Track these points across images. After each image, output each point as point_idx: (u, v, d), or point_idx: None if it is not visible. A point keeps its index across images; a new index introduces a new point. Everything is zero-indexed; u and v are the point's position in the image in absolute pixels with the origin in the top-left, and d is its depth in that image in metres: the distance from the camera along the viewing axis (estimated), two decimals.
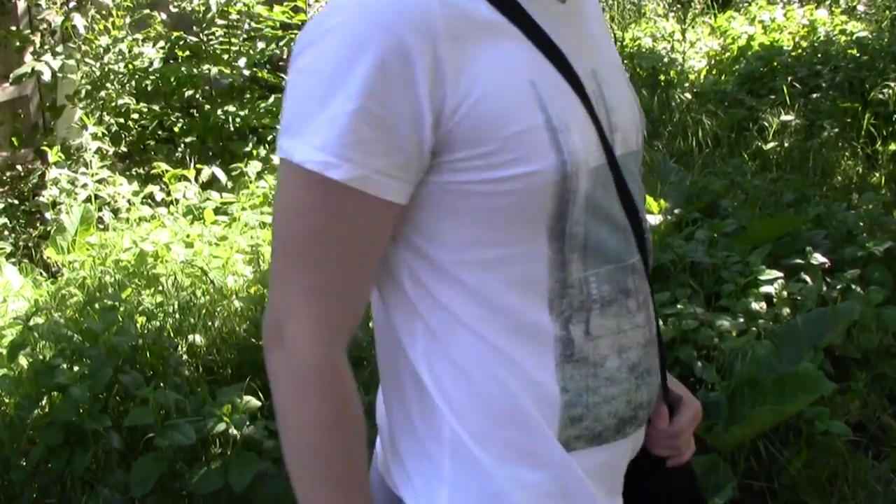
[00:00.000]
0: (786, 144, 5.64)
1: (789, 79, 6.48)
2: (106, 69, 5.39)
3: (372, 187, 0.97)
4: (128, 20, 5.56)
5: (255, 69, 6.34)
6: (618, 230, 1.08)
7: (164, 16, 5.83)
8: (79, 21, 5.15)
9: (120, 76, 5.53)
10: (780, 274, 3.57)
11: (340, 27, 0.97)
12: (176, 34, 6.06)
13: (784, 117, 5.92)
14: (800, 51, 7.20)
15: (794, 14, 8.08)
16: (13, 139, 5.43)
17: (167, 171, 5.18)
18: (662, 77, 6.29)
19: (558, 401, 1.06)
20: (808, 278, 3.57)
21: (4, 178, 5.37)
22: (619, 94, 1.13)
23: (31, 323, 3.35)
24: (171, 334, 3.57)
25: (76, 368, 3.00)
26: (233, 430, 2.72)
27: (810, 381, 2.77)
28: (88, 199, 4.89)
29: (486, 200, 1.00)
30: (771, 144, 5.60)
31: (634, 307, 1.11)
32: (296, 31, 6.30)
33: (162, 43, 5.99)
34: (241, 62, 6.13)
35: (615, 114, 1.10)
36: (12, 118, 5.46)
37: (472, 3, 1.00)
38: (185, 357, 3.42)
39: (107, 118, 5.54)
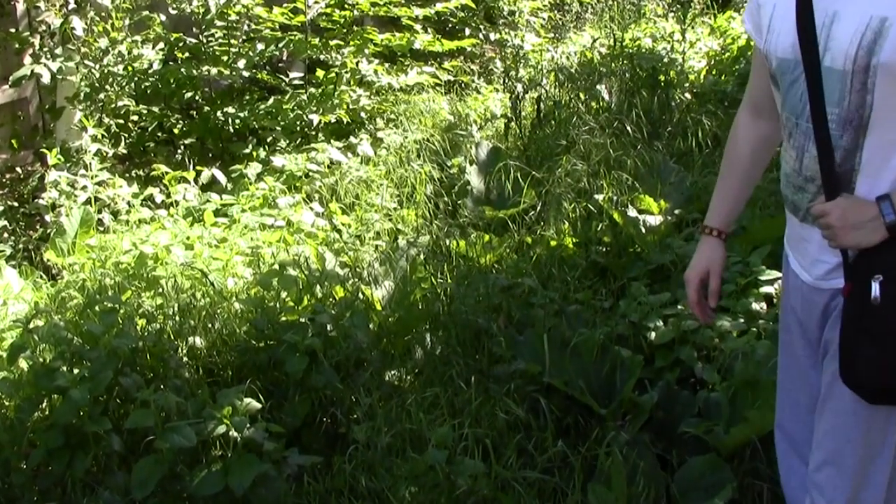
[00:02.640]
0: None
1: None
2: (105, 71, 5.38)
3: None
4: (127, 22, 5.55)
5: (254, 70, 6.34)
6: None
7: (163, 17, 5.83)
8: (78, 23, 5.15)
9: (119, 78, 5.53)
10: (781, 274, 3.56)
11: None
12: (175, 36, 6.06)
13: None
14: None
15: None
16: (13, 141, 5.43)
17: (167, 172, 5.18)
18: (662, 77, 6.28)
19: None
20: None
21: (4, 180, 5.36)
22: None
23: (31, 325, 3.35)
24: (172, 336, 3.57)
25: (76, 371, 3.00)
26: (233, 433, 2.72)
27: None
28: (88, 202, 4.89)
29: None
30: None
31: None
32: (295, 33, 6.31)
33: (161, 45, 5.99)
34: (241, 64, 6.13)
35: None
36: (12, 120, 5.45)
37: None
38: (185, 359, 3.42)
39: (106, 120, 5.54)
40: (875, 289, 1.73)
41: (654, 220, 4.33)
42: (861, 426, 1.86)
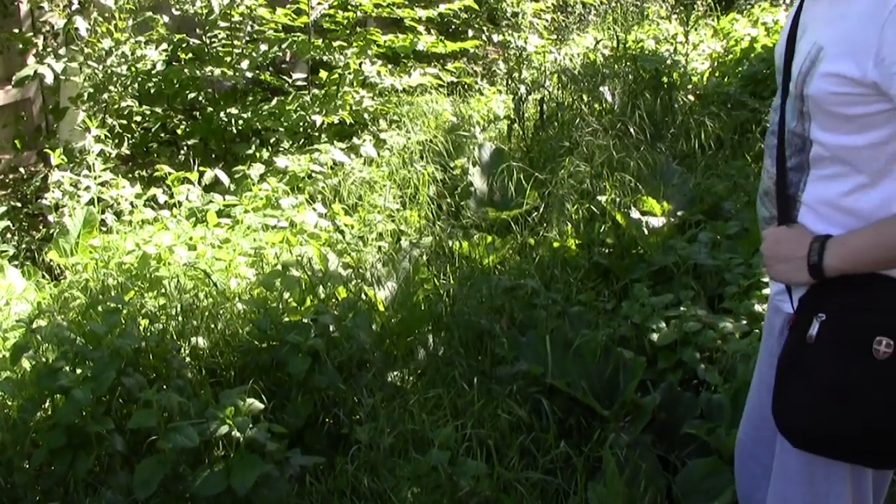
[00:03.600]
0: None
1: None
2: (108, 72, 5.39)
3: None
4: (130, 23, 5.56)
5: (257, 71, 6.35)
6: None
7: (166, 18, 5.84)
8: (81, 24, 5.16)
9: (122, 79, 5.53)
10: None
11: None
12: (178, 37, 6.06)
13: None
14: None
15: None
16: (16, 142, 5.44)
17: (170, 173, 5.18)
18: (665, 79, 6.28)
19: None
20: None
21: (7, 180, 5.37)
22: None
23: (34, 325, 3.35)
24: (174, 337, 3.57)
25: (79, 371, 3.00)
26: (235, 433, 2.72)
27: None
28: (91, 202, 4.89)
29: None
30: None
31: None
32: (298, 34, 6.31)
33: (164, 45, 5.99)
34: (244, 64, 6.13)
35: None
36: (15, 121, 5.47)
37: None
38: (187, 359, 3.43)
39: (109, 121, 5.54)
40: (814, 327, 1.64)
41: (657, 221, 4.33)
42: (803, 474, 1.77)
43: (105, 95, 5.45)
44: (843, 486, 1.74)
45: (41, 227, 5.12)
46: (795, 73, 1.65)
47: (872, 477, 1.79)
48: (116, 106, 5.62)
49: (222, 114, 6.00)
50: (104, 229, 4.85)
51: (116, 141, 5.60)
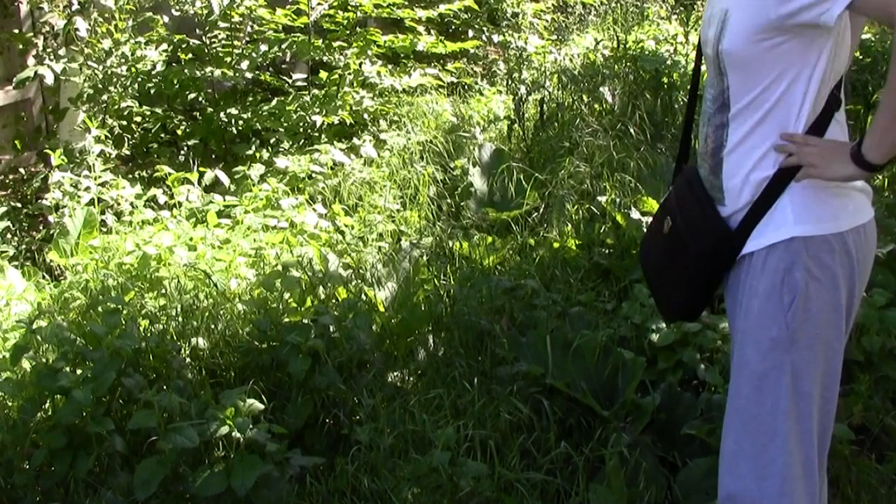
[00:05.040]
0: None
1: None
2: (108, 72, 5.39)
3: None
4: (130, 23, 5.56)
5: (257, 72, 6.35)
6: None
7: (166, 19, 5.84)
8: (81, 24, 5.16)
9: (123, 79, 5.53)
10: None
11: None
12: (178, 37, 6.06)
13: None
14: None
15: None
16: (16, 142, 5.44)
17: (170, 173, 5.18)
18: (665, 79, 6.28)
19: None
20: None
21: (7, 181, 5.37)
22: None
23: (34, 326, 3.36)
24: (174, 337, 3.57)
25: (79, 371, 3.01)
26: (236, 433, 2.72)
27: None
28: (91, 202, 4.89)
29: None
30: None
31: None
32: (298, 34, 6.31)
33: (164, 46, 5.99)
34: (244, 65, 6.13)
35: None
36: (15, 121, 5.47)
37: None
38: (188, 360, 3.43)
39: (110, 121, 5.54)
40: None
41: None
42: (751, 410, 1.95)
43: (105, 96, 5.45)
44: (785, 402, 1.93)
45: (41, 228, 5.12)
46: (711, 38, 1.96)
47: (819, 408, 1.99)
48: (116, 106, 5.62)
49: (222, 114, 6.00)
50: (104, 230, 4.85)
51: (116, 141, 5.60)
